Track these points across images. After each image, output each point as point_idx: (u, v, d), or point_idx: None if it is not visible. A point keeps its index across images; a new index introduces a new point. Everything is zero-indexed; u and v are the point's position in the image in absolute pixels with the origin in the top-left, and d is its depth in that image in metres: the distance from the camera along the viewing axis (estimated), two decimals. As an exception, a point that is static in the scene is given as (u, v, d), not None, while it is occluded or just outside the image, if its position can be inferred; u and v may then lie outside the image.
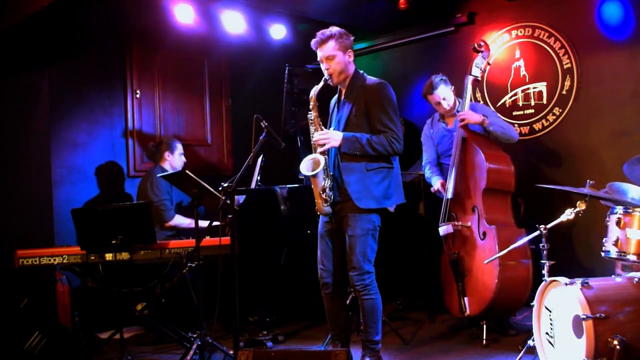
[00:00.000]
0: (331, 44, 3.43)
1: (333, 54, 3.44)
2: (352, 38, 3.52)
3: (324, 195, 3.41)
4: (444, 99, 4.42)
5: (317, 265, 3.61)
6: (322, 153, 3.40)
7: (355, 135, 3.39)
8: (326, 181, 3.42)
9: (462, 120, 4.24)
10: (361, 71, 3.57)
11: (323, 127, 3.48)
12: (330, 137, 3.38)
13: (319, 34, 3.46)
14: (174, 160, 4.81)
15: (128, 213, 3.84)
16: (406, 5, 5.38)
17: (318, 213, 3.50)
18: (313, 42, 3.48)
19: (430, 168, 4.56)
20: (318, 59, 3.50)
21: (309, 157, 3.41)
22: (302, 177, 4.58)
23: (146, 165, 5.23)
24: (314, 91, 3.46)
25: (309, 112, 3.47)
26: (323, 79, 3.46)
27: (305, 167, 3.39)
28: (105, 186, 5.11)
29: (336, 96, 3.68)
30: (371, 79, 3.55)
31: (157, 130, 5.46)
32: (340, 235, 3.53)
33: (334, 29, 3.47)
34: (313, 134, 3.45)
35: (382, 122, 3.43)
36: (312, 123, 3.47)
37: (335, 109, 3.62)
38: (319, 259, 3.61)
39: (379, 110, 3.44)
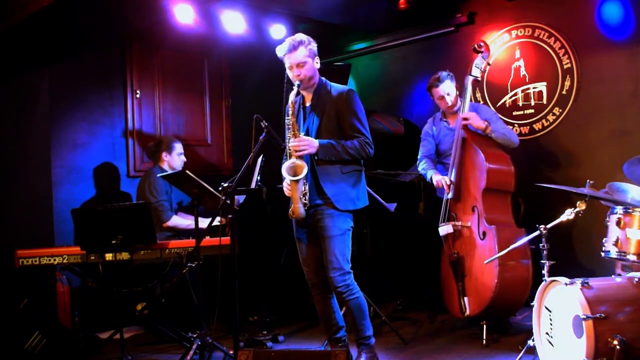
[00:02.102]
0: (302, 50, 3.45)
1: (304, 61, 3.46)
2: (316, 45, 3.55)
3: (304, 200, 3.42)
4: (447, 94, 4.42)
5: (304, 267, 3.61)
6: (299, 158, 3.41)
7: (331, 142, 3.43)
8: (305, 186, 3.44)
9: (466, 120, 4.24)
10: (324, 78, 3.61)
11: (300, 133, 3.49)
12: (308, 143, 3.40)
13: (290, 40, 3.48)
14: (173, 160, 4.79)
15: (128, 213, 3.84)
16: (406, 5, 5.39)
17: (292, 217, 3.48)
18: (281, 48, 3.49)
19: (426, 162, 4.57)
20: (287, 65, 3.50)
21: (290, 162, 3.41)
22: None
23: (146, 165, 5.22)
24: (292, 97, 3.47)
25: (287, 118, 3.48)
26: (296, 84, 3.47)
27: (287, 172, 3.39)
28: (105, 186, 5.11)
29: (296, 99, 3.64)
30: (337, 86, 3.59)
31: (157, 130, 5.46)
32: (316, 235, 3.54)
33: (303, 36, 3.51)
34: (289, 139, 3.46)
35: (355, 128, 3.48)
36: (289, 128, 3.48)
37: (301, 114, 3.62)
38: (302, 262, 3.61)
39: (351, 116, 3.48)
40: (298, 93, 3.55)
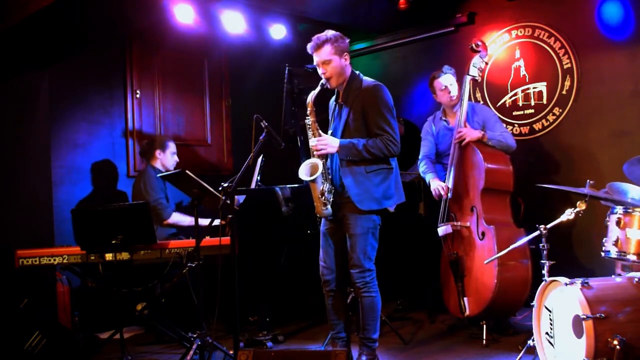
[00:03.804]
0: (327, 48, 3.43)
1: (329, 59, 3.44)
2: (348, 40, 3.53)
3: (322, 199, 3.44)
4: (450, 84, 4.42)
5: (319, 262, 3.63)
6: (320, 157, 3.41)
7: (352, 142, 3.43)
8: (325, 185, 3.45)
9: (461, 137, 4.24)
10: (357, 72, 3.59)
11: (321, 133, 3.48)
12: (327, 143, 3.40)
13: (315, 39, 3.46)
14: (166, 159, 4.77)
15: (128, 213, 3.84)
16: (406, 5, 5.39)
17: (317, 215, 3.54)
18: (309, 46, 3.49)
19: (426, 163, 4.56)
20: (314, 63, 3.50)
21: (307, 162, 3.43)
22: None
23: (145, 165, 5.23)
24: (311, 97, 3.47)
25: (307, 117, 3.49)
26: (320, 83, 3.47)
27: (304, 172, 3.42)
28: (105, 186, 5.11)
29: (334, 96, 3.69)
30: (367, 80, 3.56)
31: (157, 130, 5.46)
32: (341, 234, 3.56)
33: (330, 33, 3.48)
34: (310, 139, 3.47)
35: (379, 125, 3.46)
36: (309, 128, 3.49)
37: (336, 110, 3.64)
38: (321, 257, 3.63)
39: (375, 113, 3.46)
40: (326, 93, 3.54)
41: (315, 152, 3.43)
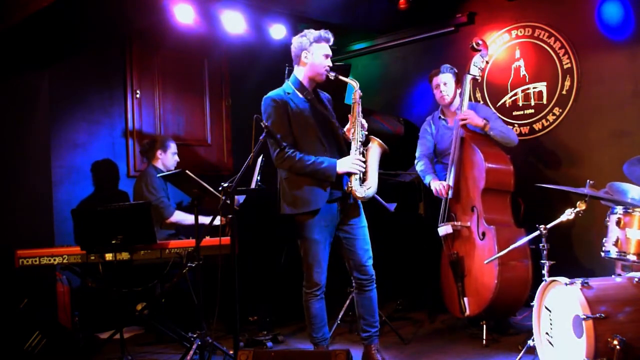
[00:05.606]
0: None
1: None
2: None
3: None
4: (444, 84, 4.43)
5: (315, 270, 3.52)
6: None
7: None
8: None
9: (464, 119, 4.25)
10: None
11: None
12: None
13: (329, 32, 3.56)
14: (167, 159, 4.78)
15: (128, 213, 3.84)
16: (406, 5, 5.39)
17: (353, 191, 3.41)
18: (330, 36, 3.59)
19: (425, 163, 4.56)
20: (326, 52, 3.57)
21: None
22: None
23: (146, 165, 5.23)
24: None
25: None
26: (331, 74, 3.55)
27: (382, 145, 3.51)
28: (105, 186, 5.11)
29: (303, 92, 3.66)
30: None
31: (157, 130, 5.46)
32: (334, 234, 3.58)
33: None
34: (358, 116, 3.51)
35: None
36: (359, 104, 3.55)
37: (309, 104, 3.61)
38: (316, 264, 3.51)
39: None
40: (324, 83, 3.66)
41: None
